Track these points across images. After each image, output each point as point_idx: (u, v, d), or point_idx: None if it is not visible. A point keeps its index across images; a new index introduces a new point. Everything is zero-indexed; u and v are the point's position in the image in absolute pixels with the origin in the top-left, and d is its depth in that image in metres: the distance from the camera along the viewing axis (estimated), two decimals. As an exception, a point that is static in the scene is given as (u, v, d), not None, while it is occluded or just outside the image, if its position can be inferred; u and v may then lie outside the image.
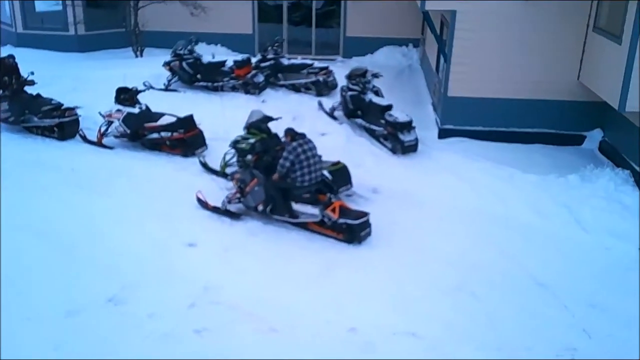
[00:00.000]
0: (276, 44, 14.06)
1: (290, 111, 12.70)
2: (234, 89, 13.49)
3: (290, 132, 8.74)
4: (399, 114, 11.20)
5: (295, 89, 13.82)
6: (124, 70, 14.54)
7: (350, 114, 12.13)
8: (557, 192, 9.60)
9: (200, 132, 11.04)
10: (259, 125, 9.87)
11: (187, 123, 10.90)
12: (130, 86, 11.45)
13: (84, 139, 11.47)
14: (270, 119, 10.07)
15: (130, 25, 16.02)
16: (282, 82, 13.85)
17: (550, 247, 8.60)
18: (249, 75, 13.25)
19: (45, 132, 11.58)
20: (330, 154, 11.11)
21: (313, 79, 13.53)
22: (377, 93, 12.13)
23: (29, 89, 11.92)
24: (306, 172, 8.40)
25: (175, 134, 10.86)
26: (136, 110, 11.10)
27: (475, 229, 8.95)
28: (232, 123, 12.00)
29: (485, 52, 11.64)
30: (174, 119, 10.91)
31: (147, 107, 11.32)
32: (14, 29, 16.90)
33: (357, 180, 9.96)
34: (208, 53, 16.94)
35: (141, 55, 16.22)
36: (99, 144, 11.28)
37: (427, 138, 11.96)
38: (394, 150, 11.22)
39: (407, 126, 11.05)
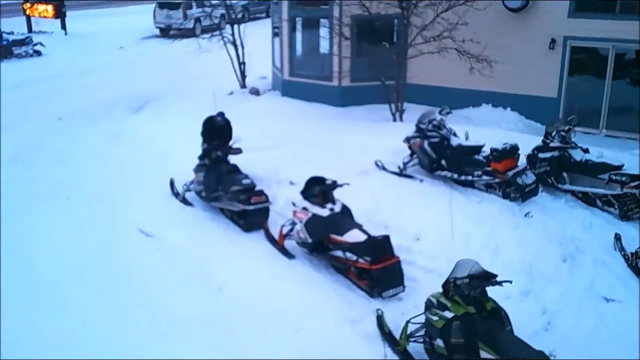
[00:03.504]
0: (569, 127, 9.27)
1: (564, 248, 7.88)
2: (488, 187, 9.26)
3: None
4: None
5: (589, 201, 8.89)
6: (367, 138, 11.65)
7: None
8: None
9: (397, 265, 7.27)
10: (464, 292, 5.73)
11: (377, 247, 7.28)
12: (328, 177, 8.36)
13: (267, 234, 8.85)
14: (489, 278, 5.80)
15: (397, 78, 12.91)
16: (566, 187, 9.06)
17: None
18: (511, 172, 8.86)
19: (235, 217, 9.34)
20: None
21: (618, 190, 8.42)
22: None
23: (233, 158, 9.97)
24: None
25: (360, 259, 7.36)
26: (325, 212, 7.95)
27: None
28: (464, 247, 7.98)
29: None
30: (362, 238, 7.41)
31: (344, 208, 8.07)
32: (281, 74, 15.49)
33: None
34: (491, 120, 13.06)
35: (400, 119, 13.00)
36: (280, 246, 8.49)
37: None
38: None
39: None
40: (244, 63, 16.86)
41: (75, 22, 27.81)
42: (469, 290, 5.73)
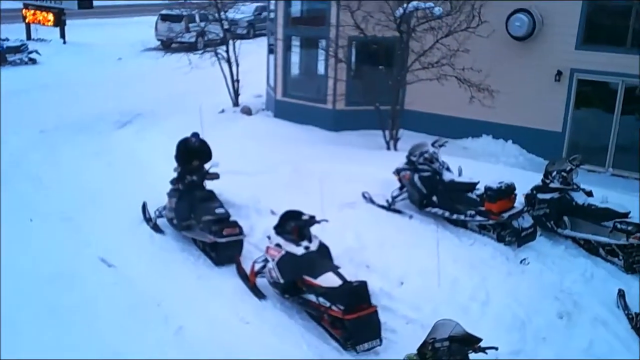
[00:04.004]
0: (571, 167, 8.55)
1: (562, 302, 7.09)
2: (482, 229, 8.55)
3: None
4: None
5: (591, 249, 8.16)
6: (357, 166, 10.95)
7: None
8: None
9: (373, 315, 6.54)
10: (442, 359, 4.99)
11: (353, 294, 6.55)
12: (311, 208, 7.70)
13: (239, 269, 8.13)
14: (473, 342, 5.05)
15: (392, 104, 12.24)
16: (566, 233, 8.33)
17: None
18: (506, 214, 8.15)
19: (207, 249, 8.63)
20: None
21: (623, 240, 7.69)
22: None
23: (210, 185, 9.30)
24: None
25: (333, 307, 6.63)
26: (300, 250, 7.24)
27: None
28: (452, 295, 7.27)
29: None
30: (337, 283, 6.68)
31: (322, 247, 7.37)
32: (274, 94, 14.87)
33: None
34: (491, 152, 12.39)
35: (394, 147, 12.31)
36: (251, 285, 7.77)
37: None
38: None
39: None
40: (237, 81, 16.26)
41: (75, 32, 27.37)
42: (449, 357, 5.00)
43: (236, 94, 16.32)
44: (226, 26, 16.87)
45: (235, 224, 8.31)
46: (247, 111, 15.47)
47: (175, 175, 9.17)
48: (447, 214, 8.77)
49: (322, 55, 13.78)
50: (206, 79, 17.99)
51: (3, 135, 13.44)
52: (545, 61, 12.29)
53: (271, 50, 15.48)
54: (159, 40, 27.21)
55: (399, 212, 9.30)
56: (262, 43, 23.46)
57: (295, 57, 14.77)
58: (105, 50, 25.74)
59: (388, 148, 12.32)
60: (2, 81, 18.64)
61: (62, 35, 26.32)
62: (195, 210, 8.67)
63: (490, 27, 11.71)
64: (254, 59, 18.46)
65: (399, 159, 10.32)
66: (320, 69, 14.17)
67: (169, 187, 9.32)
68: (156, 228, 9.33)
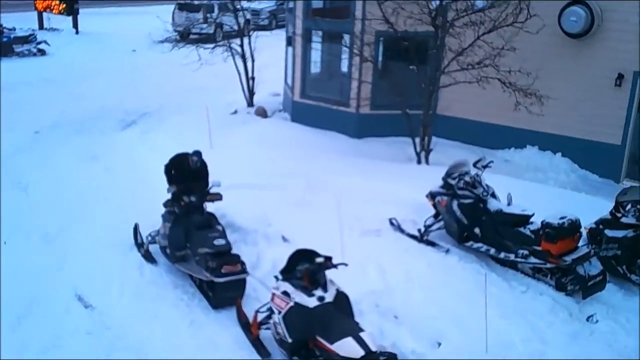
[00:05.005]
0: (648, 199, 6.98)
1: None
2: (536, 272, 7.00)
3: None
4: None
5: (672, 303, 6.61)
6: (383, 183, 9.49)
7: None
8: None
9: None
10: None
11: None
12: (327, 238, 6.31)
13: (240, 315, 6.73)
14: None
15: (425, 110, 10.71)
16: (643, 282, 6.79)
17: None
18: (568, 257, 6.60)
19: (204, 285, 7.22)
20: None
21: None
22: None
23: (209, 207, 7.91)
24: None
25: (353, 384, 5.21)
26: (312, 302, 5.81)
27: None
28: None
29: None
30: (359, 353, 5.21)
31: (340, 296, 5.94)
32: (292, 95, 13.40)
33: None
34: (537, 166, 10.86)
35: (426, 160, 10.77)
36: (253, 338, 6.37)
37: None
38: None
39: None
40: (253, 78, 14.81)
41: (89, 21, 26.26)
42: None
43: (251, 92, 14.89)
44: (247, 16, 15.43)
45: (237, 260, 6.91)
46: (262, 113, 14.04)
47: (169, 196, 7.81)
48: (492, 251, 7.24)
49: (346, 53, 12.28)
50: (222, 74, 16.60)
51: (-5, 135, 12.29)
52: (604, 62, 10.64)
53: (289, 44, 14.02)
54: (175, 31, 25.89)
55: (433, 244, 7.80)
56: (282, 35, 22.08)
57: (315, 54, 13.28)
58: (118, 40, 24.53)
59: (419, 161, 10.78)
60: (3, 74, 17.49)
61: (75, 25, 25.21)
62: (191, 239, 7.31)
63: (541, 22, 10.09)
64: (273, 53, 17.02)
65: (432, 175, 8.82)
66: (343, 67, 12.66)
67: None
68: (147, 256, 7.99)
